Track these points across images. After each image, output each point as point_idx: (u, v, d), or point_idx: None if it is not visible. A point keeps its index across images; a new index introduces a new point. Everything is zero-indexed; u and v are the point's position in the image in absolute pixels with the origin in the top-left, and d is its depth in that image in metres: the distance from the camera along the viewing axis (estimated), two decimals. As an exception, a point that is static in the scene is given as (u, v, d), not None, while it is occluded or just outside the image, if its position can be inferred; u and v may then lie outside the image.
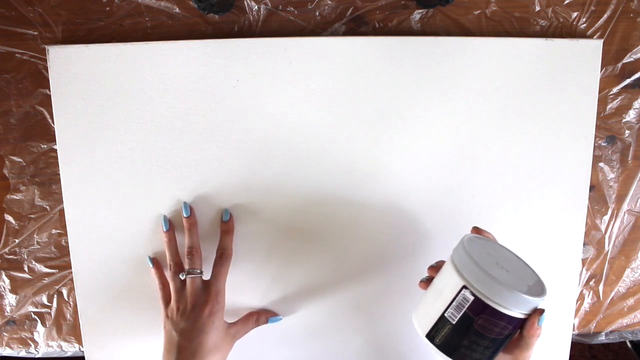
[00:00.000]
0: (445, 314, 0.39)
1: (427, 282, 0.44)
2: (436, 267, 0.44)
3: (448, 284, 0.40)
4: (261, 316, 0.51)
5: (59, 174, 0.50)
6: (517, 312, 0.37)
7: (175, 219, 0.50)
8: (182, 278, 0.47)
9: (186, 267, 0.47)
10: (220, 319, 0.47)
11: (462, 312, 0.38)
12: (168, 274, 0.49)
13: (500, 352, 0.39)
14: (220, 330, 0.47)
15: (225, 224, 0.50)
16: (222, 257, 0.49)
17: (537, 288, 0.40)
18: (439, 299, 0.40)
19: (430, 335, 0.39)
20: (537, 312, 0.38)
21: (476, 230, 0.45)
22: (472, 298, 0.38)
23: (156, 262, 0.50)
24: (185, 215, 0.49)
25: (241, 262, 0.51)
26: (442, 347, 0.39)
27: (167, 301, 0.48)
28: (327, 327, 0.53)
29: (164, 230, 0.49)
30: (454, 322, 0.38)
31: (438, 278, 0.42)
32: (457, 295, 0.38)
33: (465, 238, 0.42)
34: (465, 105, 0.50)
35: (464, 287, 0.38)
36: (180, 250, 0.50)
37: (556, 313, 0.54)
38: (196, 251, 0.48)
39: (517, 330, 0.39)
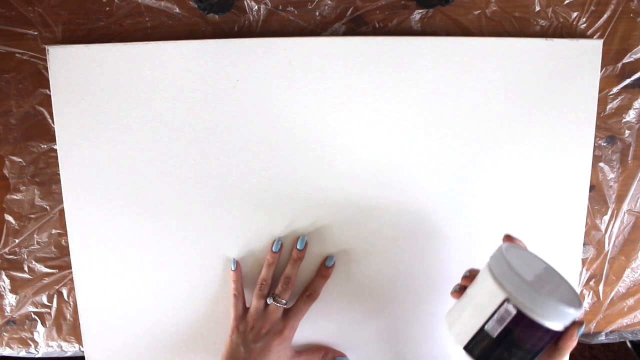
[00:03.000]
0: (486, 327, 0.38)
1: (459, 291, 0.43)
2: (470, 277, 0.43)
3: (488, 296, 0.38)
4: (328, 353, 0.52)
5: (59, 174, 0.50)
6: (558, 324, 0.37)
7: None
8: (269, 302, 0.48)
9: (275, 292, 0.49)
10: (287, 349, 0.49)
11: (504, 325, 0.37)
12: (252, 290, 0.50)
13: None
14: None
15: (327, 269, 0.51)
16: (310, 297, 0.50)
17: (575, 299, 0.39)
18: (478, 312, 0.39)
19: (469, 348, 0.39)
20: (577, 324, 0.38)
21: (508, 238, 0.43)
22: (514, 311, 0.36)
23: (239, 266, 0.51)
24: (298, 248, 0.50)
25: (244, 262, 0.51)
26: (480, 359, 0.38)
27: (238, 312, 0.49)
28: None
29: (273, 251, 0.50)
30: (494, 335, 0.37)
31: (474, 289, 0.41)
32: (498, 308, 0.37)
33: (504, 247, 0.40)
34: (464, 105, 0.50)
35: (507, 300, 0.37)
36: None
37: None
38: (292, 283, 0.49)
39: (553, 341, 0.38)
